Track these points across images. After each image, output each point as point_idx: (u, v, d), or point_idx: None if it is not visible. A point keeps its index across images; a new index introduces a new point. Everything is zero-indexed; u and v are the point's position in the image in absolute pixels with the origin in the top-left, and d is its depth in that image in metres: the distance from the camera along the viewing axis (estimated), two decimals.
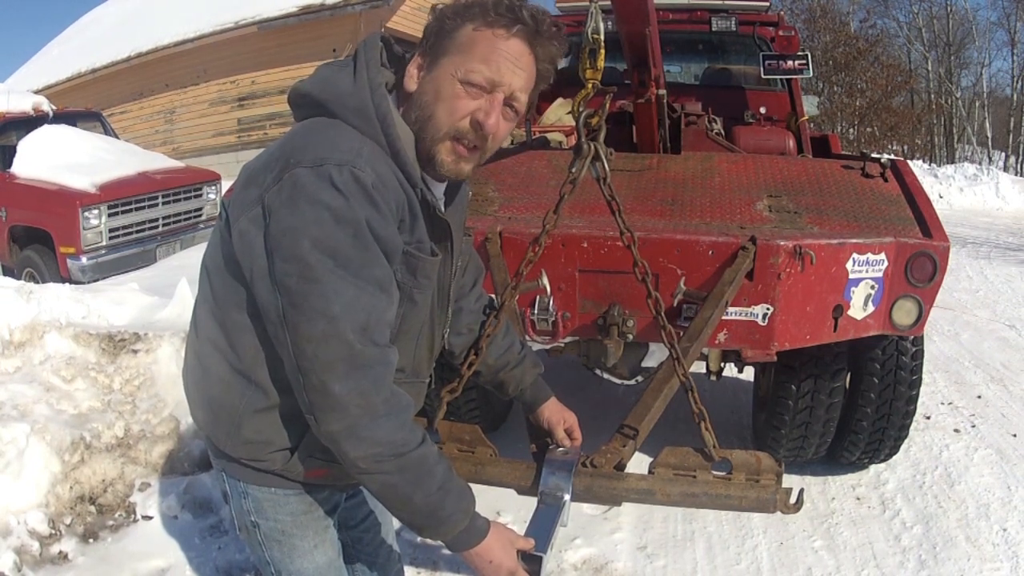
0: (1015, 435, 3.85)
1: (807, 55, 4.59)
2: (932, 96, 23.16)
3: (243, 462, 1.35)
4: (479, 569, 1.30)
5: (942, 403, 4.26)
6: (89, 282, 5.84)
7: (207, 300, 1.33)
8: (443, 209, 1.36)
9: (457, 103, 1.24)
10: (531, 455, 1.75)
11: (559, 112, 4.49)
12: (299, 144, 1.21)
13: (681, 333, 2.23)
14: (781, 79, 4.68)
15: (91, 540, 2.73)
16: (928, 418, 4.03)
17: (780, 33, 4.68)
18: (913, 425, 3.20)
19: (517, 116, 1.31)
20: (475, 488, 1.34)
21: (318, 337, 1.15)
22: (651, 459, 1.73)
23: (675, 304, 2.53)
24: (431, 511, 1.24)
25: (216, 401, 1.34)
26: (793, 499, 1.66)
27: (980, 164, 16.69)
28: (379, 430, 1.18)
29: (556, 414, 1.70)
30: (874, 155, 3.42)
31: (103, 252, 6.70)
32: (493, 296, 1.80)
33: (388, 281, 1.21)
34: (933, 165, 15.68)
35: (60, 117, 7.96)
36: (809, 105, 4.95)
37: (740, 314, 2.55)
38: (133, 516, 2.86)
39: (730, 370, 3.28)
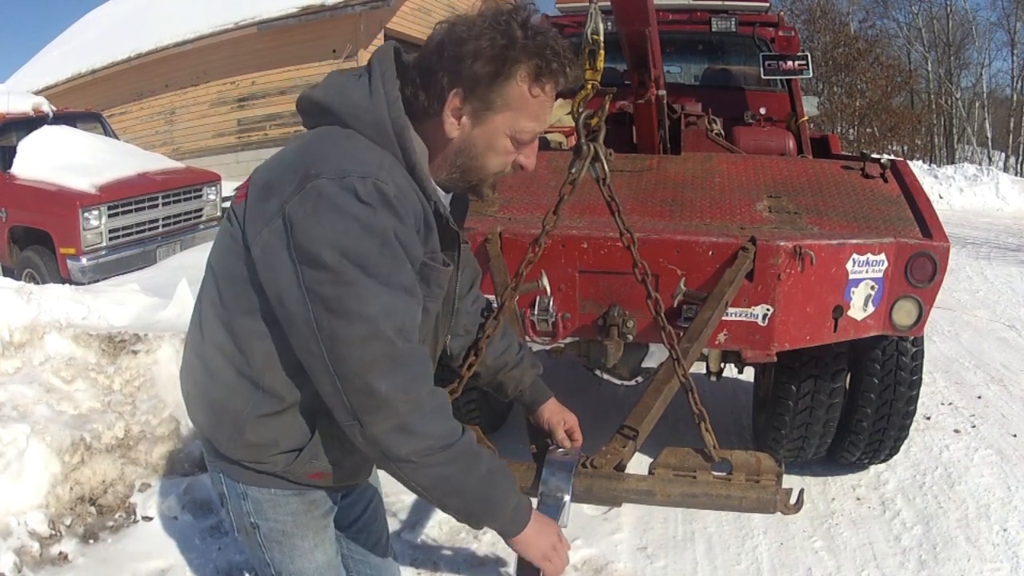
0: (1015, 435, 3.85)
1: (807, 55, 4.59)
2: (932, 96, 23.19)
3: (243, 464, 1.35)
4: (528, 548, 1.34)
5: (942, 403, 4.26)
6: (89, 283, 5.82)
7: (214, 304, 1.33)
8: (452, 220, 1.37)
9: (508, 156, 1.32)
10: (531, 455, 1.75)
11: (559, 112, 4.47)
12: (318, 154, 1.22)
13: (681, 334, 2.23)
14: (781, 79, 4.68)
15: (91, 541, 2.73)
16: (928, 418, 4.03)
17: (780, 33, 4.68)
18: (913, 425, 3.19)
19: None
20: None
21: (359, 339, 1.15)
22: (651, 459, 1.74)
23: (675, 305, 2.54)
24: (486, 495, 1.28)
25: (219, 404, 1.34)
26: (793, 499, 1.66)
27: (980, 164, 16.71)
28: (429, 423, 1.21)
29: (556, 415, 1.70)
30: (874, 155, 3.42)
31: (103, 253, 6.69)
32: (492, 297, 1.80)
33: (414, 286, 1.24)
34: (933, 165, 15.70)
35: (60, 118, 7.93)
36: (809, 105, 4.95)
37: (740, 315, 2.55)
38: (133, 517, 2.86)
39: (730, 370, 3.28)
